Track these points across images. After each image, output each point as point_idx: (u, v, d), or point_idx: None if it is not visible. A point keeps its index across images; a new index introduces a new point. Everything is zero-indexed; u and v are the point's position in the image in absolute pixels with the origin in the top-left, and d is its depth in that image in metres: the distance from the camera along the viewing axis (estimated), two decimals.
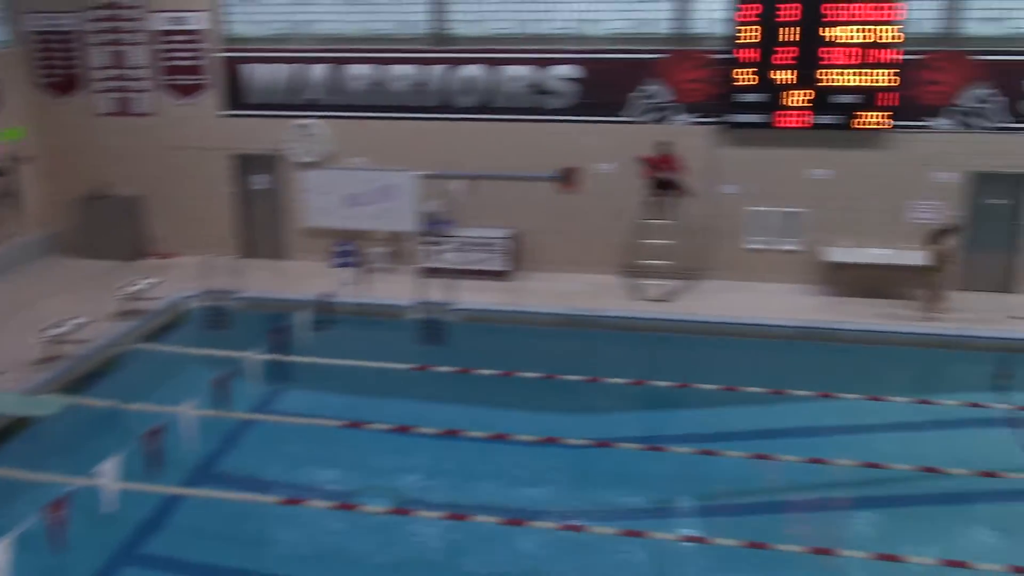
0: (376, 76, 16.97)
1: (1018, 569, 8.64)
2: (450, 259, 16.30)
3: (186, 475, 11.34)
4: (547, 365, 13.29)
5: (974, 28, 15.16)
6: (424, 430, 11.95)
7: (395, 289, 15.85)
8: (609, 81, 16.18)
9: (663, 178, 15.63)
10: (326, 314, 14.98)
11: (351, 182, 16.90)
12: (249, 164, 17.76)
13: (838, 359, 13.99)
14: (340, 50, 17.09)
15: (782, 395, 12.42)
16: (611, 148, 16.28)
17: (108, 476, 9.63)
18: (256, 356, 13.00)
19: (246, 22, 17.51)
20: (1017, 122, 15.11)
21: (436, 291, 15.00)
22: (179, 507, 10.90)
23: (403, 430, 11.95)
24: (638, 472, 11.41)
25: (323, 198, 17.06)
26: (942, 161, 15.42)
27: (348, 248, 17.21)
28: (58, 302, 15.28)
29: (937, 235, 14.59)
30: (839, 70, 15.28)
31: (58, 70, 18.09)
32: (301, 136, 17.29)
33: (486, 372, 13.20)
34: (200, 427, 11.32)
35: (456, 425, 12.03)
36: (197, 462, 11.66)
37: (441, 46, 16.78)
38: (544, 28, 16.46)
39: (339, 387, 13.71)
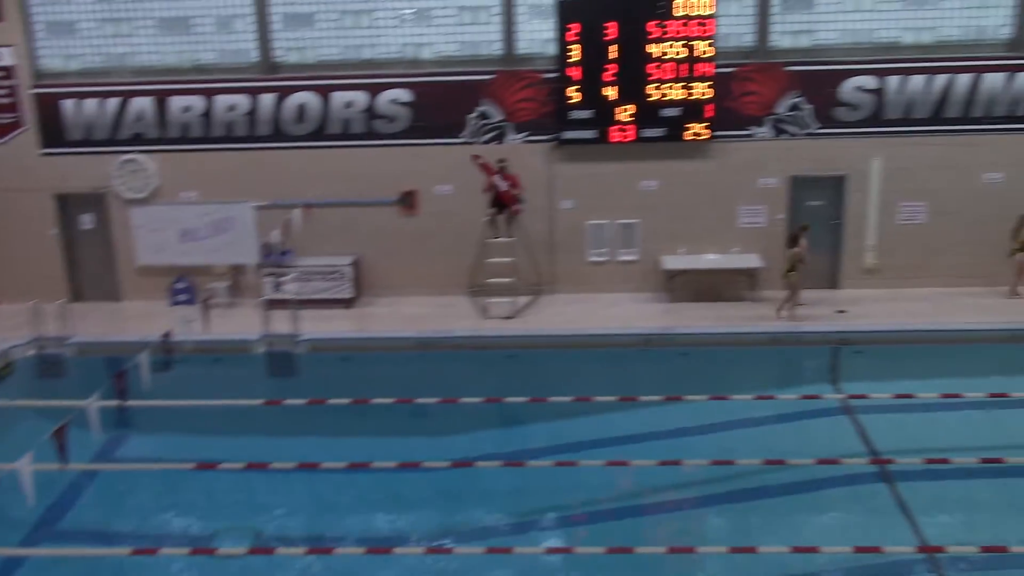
0: (204, 107, 16.57)
1: (861, 549, 9.20)
2: (293, 289, 16.03)
3: (27, 533, 10.73)
4: (400, 390, 13.28)
5: (784, 41, 16.10)
6: (279, 465, 11.71)
7: (239, 323, 15.49)
8: (442, 103, 16.33)
9: (501, 194, 15.87)
10: (168, 354, 14.45)
11: (184, 217, 16.46)
12: (74, 203, 17.01)
13: (681, 363, 14.52)
14: (164, 81, 16.61)
15: (632, 402, 12.80)
16: (448, 170, 16.43)
17: None
18: (95, 403, 12.39)
19: (60, 56, 16.80)
20: (827, 127, 16.12)
21: (282, 323, 14.74)
22: (22, 568, 10.30)
23: (258, 467, 11.68)
24: (500, 489, 11.50)
25: (156, 235, 16.55)
26: (763, 167, 16.28)
27: (186, 285, 16.69)
28: None
29: (791, 239, 15.32)
30: (662, 85, 15.91)
31: None
32: (127, 172, 16.69)
33: (339, 401, 13.05)
34: (39, 482, 10.71)
35: (312, 457, 11.85)
36: (38, 519, 11.05)
37: (270, 74, 16.54)
38: (374, 53, 16.47)
39: (187, 428, 13.24)
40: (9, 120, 16.77)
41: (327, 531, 11.03)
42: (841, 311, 15.43)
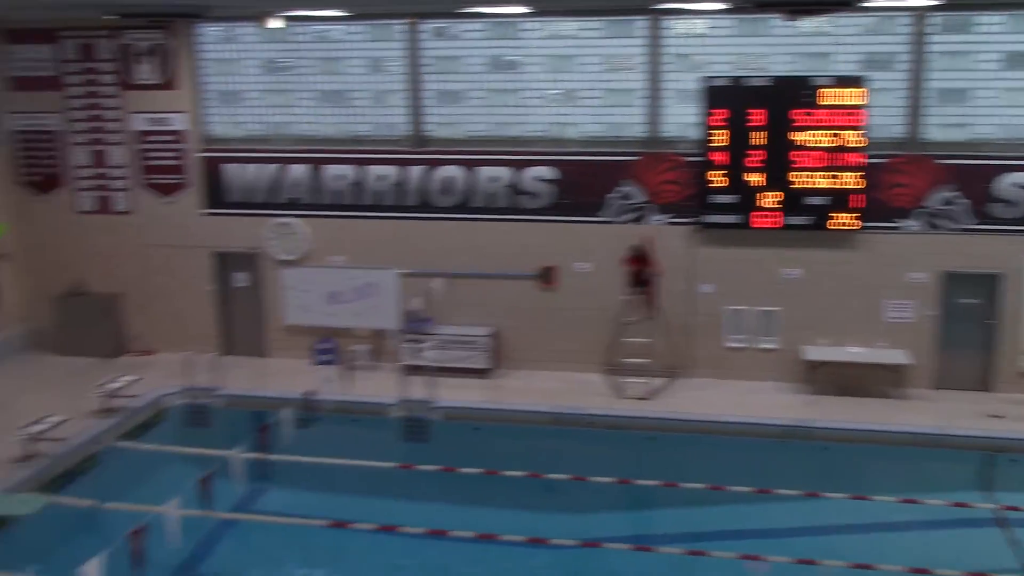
0: (356, 176, 17.23)
1: None
2: (431, 357, 16.32)
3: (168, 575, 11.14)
4: (531, 463, 13.29)
5: (937, 134, 15.78)
6: (409, 529, 11.85)
7: (377, 387, 15.83)
8: (585, 182, 16.55)
9: (641, 276, 15.90)
10: (309, 412, 14.90)
11: (331, 280, 17.04)
12: (229, 262, 17.81)
13: (821, 458, 14.08)
14: (320, 151, 17.37)
15: (768, 494, 12.48)
16: (588, 247, 16.57)
17: None
18: (238, 454, 12.85)
19: (226, 123, 17.79)
20: (982, 224, 15.63)
21: (418, 389, 14.99)
22: None
23: (388, 529, 11.84)
24: (627, 572, 11.35)
25: (303, 296, 17.16)
26: (912, 262, 15.85)
27: (329, 346, 17.20)
28: (37, 399, 15.09)
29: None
30: (808, 173, 15.77)
31: (40, 168, 18.18)
32: (281, 234, 17.42)
33: (470, 470, 13.14)
34: (183, 527, 11.12)
35: (441, 524, 11.94)
36: (179, 563, 11.44)
37: (419, 147, 17.12)
38: (520, 131, 16.88)
39: (322, 486, 13.57)
40: (177, 181, 17.79)
41: None
42: (996, 416, 14.74)
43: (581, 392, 15.75)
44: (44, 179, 18.20)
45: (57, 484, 12.86)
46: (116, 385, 15.09)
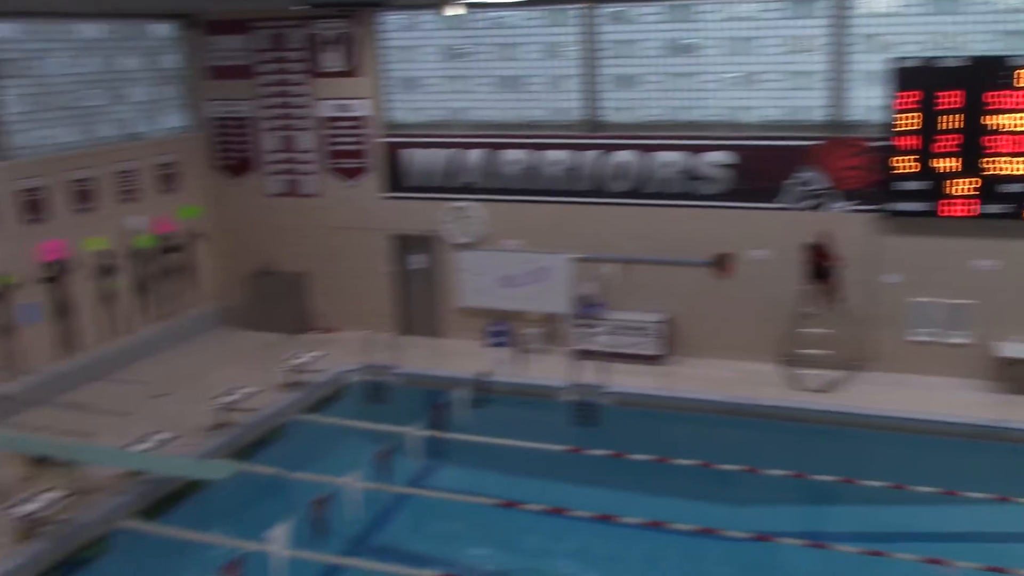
0: (530, 161, 17.38)
1: None
2: (603, 342, 16.34)
3: (346, 545, 11.60)
4: (702, 453, 13.13)
5: None
6: (577, 513, 11.92)
7: (548, 370, 15.97)
8: (763, 167, 16.13)
9: (821, 266, 15.39)
10: (482, 393, 15.20)
11: (505, 263, 17.28)
12: (407, 244, 18.33)
13: (1013, 461, 13.27)
14: (496, 135, 17.60)
15: (953, 496, 11.89)
16: (765, 235, 16.15)
17: (278, 542, 9.92)
18: (414, 431, 13.27)
19: (406, 109, 18.27)
20: None
21: (589, 373, 15.05)
22: None
23: (556, 512, 11.95)
24: (801, 568, 11.07)
25: (478, 278, 17.49)
26: None
27: (502, 328, 17.47)
28: (228, 372, 16.00)
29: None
30: (1005, 158, 14.84)
31: (233, 153, 19.22)
32: (457, 218, 17.78)
33: (640, 457, 13.10)
34: (362, 499, 11.58)
35: (609, 509, 11.96)
36: (357, 533, 11.91)
37: (594, 132, 17.10)
38: (696, 115, 16.61)
39: (493, 465, 13.82)
40: (359, 165, 18.43)
41: None
42: None
43: (755, 382, 15.41)
44: (237, 163, 19.23)
45: (246, 452, 13.62)
46: (301, 360, 15.83)
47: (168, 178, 18.29)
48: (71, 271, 16.06)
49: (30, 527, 10.92)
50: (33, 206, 15.51)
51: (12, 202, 15.17)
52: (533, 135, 17.40)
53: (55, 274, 15.81)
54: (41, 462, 11.96)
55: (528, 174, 17.41)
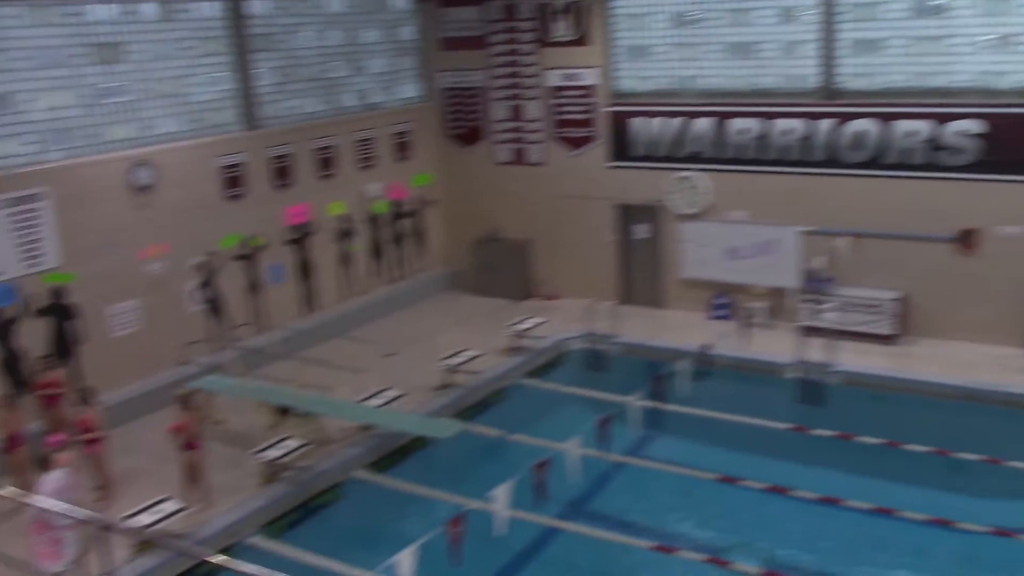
0: (760, 130, 16.85)
1: None
2: (832, 319, 15.68)
3: (563, 509, 11.79)
4: (938, 440, 12.40)
5: None
6: (800, 494, 11.57)
7: (773, 346, 15.53)
8: (1018, 137, 14.91)
9: None
10: (704, 366, 14.99)
11: (731, 235, 16.91)
12: (631, 214, 18.26)
13: None
14: (724, 104, 17.18)
15: None
16: (1018, 210, 14.95)
17: (501, 502, 10.21)
18: (635, 401, 13.26)
19: (634, 77, 18.13)
20: None
21: (816, 351, 14.50)
22: (554, 539, 11.34)
23: (776, 491, 11.64)
24: None
25: (702, 250, 17.20)
26: None
27: (726, 301, 17.13)
28: (454, 334, 16.56)
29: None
30: None
31: (464, 123, 19.76)
32: (682, 188, 17.53)
33: (868, 440, 12.54)
34: (580, 464, 11.71)
35: (834, 492, 11.54)
36: (574, 498, 12.09)
37: (830, 100, 16.34)
38: (945, 81, 15.53)
39: (712, 439, 13.62)
40: (585, 134, 18.50)
41: (840, 571, 10.70)
42: None
43: (998, 367, 14.36)
44: (467, 132, 19.76)
45: (469, 413, 14.08)
46: (524, 326, 16.16)
47: (402, 146, 19.07)
48: (313, 234, 17.08)
49: (274, 471, 11.78)
50: (282, 172, 16.59)
51: (264, 169, 16.28)
52: (764, 103, 16.85)
53: (299, 237, 16.87)
54: (284, 412, 12.86)
55: (758, 144, 16.89)
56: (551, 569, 11.07)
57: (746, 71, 17.12)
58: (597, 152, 18.44)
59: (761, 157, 16.89)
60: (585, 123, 18.51)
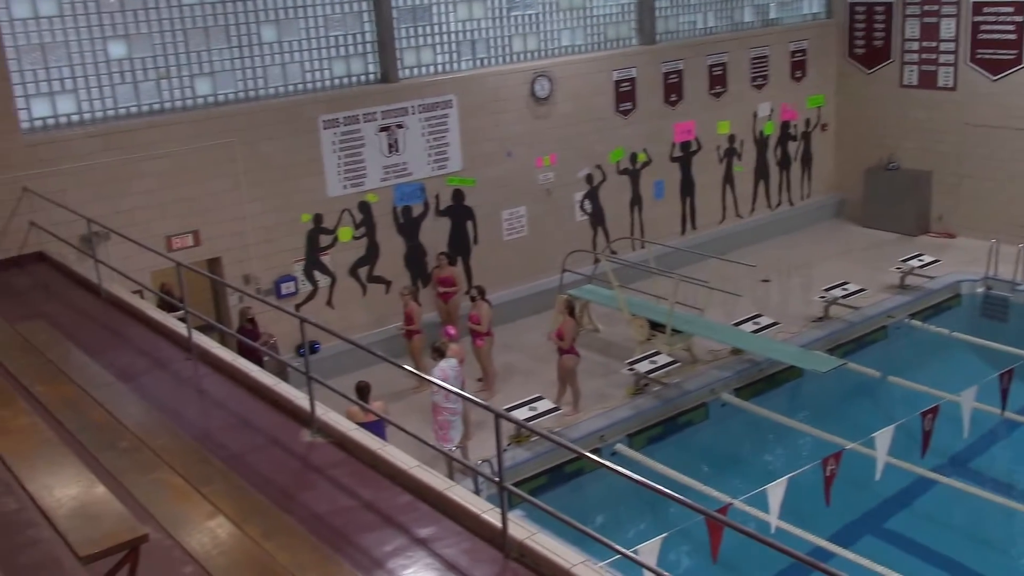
0: None
1: None
2: None
3: (943, 462, 11.03)
4: None
5: None
6: None
7: None
8: None
9: None
10: None
11: None
12: None
13: None
14: None
15: None
16: None
17: (881, 446, 9.72)
18: None
19: None
20: None
21: None
22: (926, 491, 10.65)
23: None
24: None
25: None
26: None
27: None
28: (835, 266, 15.84)
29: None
30: None
31: (868, 41, 18.46)
32: None
33: None
34: (970, 418, 10.81)
35: None
36: (956, 452, 11.27)
37: None
38: None
39: None
40: (1009, 57, 16.58)
41: None
42: None
43: None
44: (871, 52, 18.43)
45: (846, 349, 13.43)
46: (914, 264, 15.04)
47: (798, 65, 18.22)
48: (698, 152, 16.92)
49: (642, 384, 12.03)
50: (672, 88, 16.51)
51: (656, 84, 16.27)
52: None
53: (684, 154, 16.79)
54: (657, 327, 13.00)
55: None
56: (922, 522, 10.46)
57: None
58: (1021, 78, 16.49)
59: None
60: (1010, 44, 16.57)
